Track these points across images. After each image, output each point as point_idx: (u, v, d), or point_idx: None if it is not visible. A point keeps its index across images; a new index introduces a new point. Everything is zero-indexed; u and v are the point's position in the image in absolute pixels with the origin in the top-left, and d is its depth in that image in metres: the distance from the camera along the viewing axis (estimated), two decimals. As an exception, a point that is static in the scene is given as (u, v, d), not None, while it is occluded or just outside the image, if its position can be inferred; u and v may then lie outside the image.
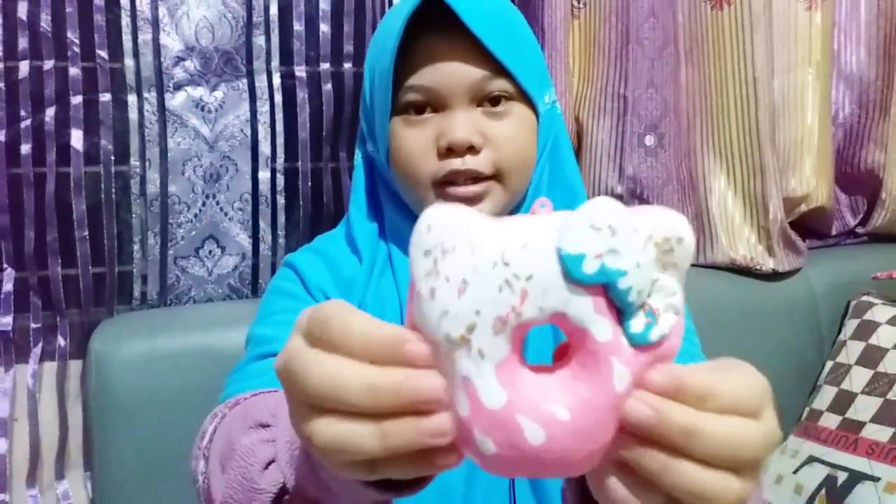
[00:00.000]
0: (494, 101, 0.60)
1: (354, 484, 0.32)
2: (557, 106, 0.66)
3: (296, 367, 0.27)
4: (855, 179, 1.25)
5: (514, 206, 0.63)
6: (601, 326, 0.26)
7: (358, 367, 0.26)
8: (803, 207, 1.17)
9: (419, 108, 0.60)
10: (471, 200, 0.59)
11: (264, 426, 0.41)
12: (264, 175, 1.00)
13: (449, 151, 0.58)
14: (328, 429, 0.27)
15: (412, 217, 0.64)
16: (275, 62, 0.99)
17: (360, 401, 0.26)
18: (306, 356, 0.27)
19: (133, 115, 0.94)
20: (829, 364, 1.07)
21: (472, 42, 0.57)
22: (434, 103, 0.59)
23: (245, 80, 0.98)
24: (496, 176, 0.59)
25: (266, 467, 0.39)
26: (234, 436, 0.42)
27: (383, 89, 0.60)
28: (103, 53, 0.92)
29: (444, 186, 0.59)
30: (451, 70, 0.58)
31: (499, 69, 0.59)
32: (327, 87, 1.00)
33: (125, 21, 0.93)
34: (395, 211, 0.65)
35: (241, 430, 0.41)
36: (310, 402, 0.27)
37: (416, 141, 0.59)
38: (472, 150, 0.58)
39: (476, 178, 0.59)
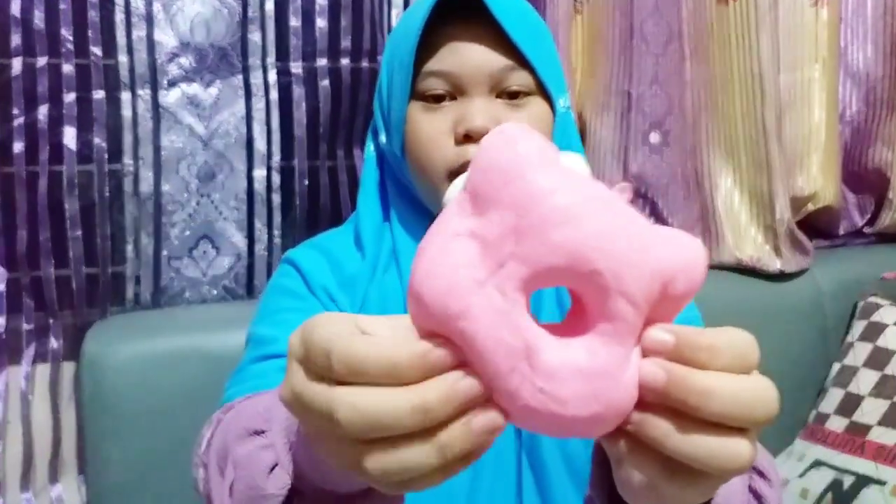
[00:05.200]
0: (513, 95, 0.60)
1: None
2: (571, 112, 0.66)
3: (319, 406, 0.26)
4: (862, 178, 1.24)
5: None
6: None
7: (391, 392, 0.25)
8: (810, 207, 1.16)
9: (438, 98, 0.60)
10: None
11: (259, 433, 0.40)
12: (260, 173, 0.99)
13: (466, 139, 0.58)
14: (383, 459, 0.25)
15: (422, 210, 0.63)
16: (270, 58, 0.98)
17: (412, 424, 0.25)
18: (323, 395, 0.26)
19: (126, 112, 0.93)
20: (836, 366, 1.06)
21: (495, 33, 0.58)
22: (453, 90, 0.60)
23: (240, 77, 0.97)
24: None
25: (270, 472, 0.39)
26: (230, 444, 0.41)
27: (403, 74, 0.60)
28: (97, 50, 0.91)
29: (458, 175, 0.58)
30: (472, 56, 0.59)
31: (520, 62, 0.59)
32: (324, 83, 0.99)
33: (119, 17, 0.92)
34: (405, 204, 0.65)
35: (236, 440, 0.41)
36: (349, 437, 0.26)
37: (433, 126, 0.59)
38: None
39: None
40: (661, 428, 0.26)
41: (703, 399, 0.25)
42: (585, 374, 0.25)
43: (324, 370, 0.26)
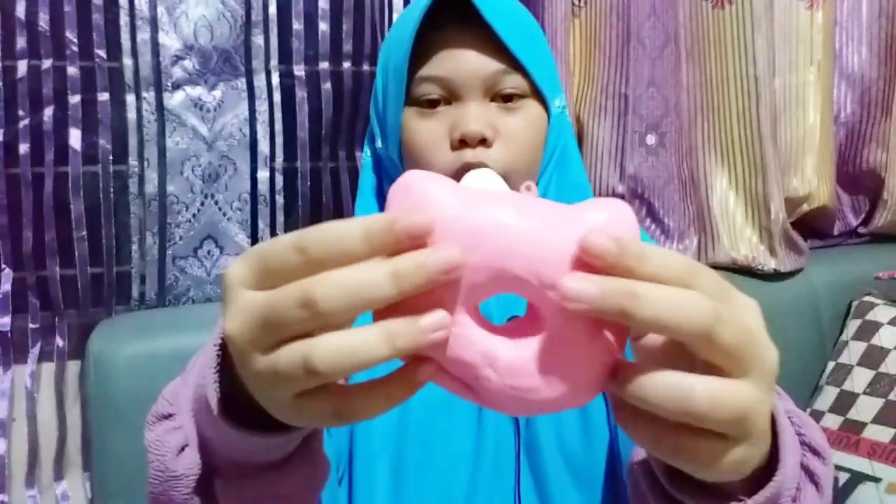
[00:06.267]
0: (507, 98, 0.60)
1: (251, 438, 0.33)
2: (567, 113, 0.66)
3: (291, 299, 0.26)
4: (857, 179, 1.24)
5: None
6: None
7: (370, 264, 0.25)
8: (805, 207, 1.17)
9: (433, 103, 0.60)
10: None
11: (166, 416, 0.41)
12: (263, 175, 1.00)
13: (461, 143, 0.58)
14: (332, 341, 0.26)
15: None
16: (273, 61, 0.99)
17: (388, 292, 0.25)
18: (296, 288, 0.25)
19: (131, 114, 0.94)
20: (831, 364, 1.07)
21: (488, 37, 0.58)
22: (448, 95, 0.60)
23: (244, 80, 0.98)
24: (505, 172, 0.59)
25: (179, 453, 0.39)
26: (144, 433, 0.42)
27: (397, 80, 0.60)
28: (102, 53, 0.92)
29: (454, 179, 0.59)
30: (467, 60, 0.59)
31: (514, 66, 0.59)
32: (326, 86, 1.00)
33: (123, 20, 0.93)
34: None
35: (146, 427, 0.42)
36: (313, 325, 0.26)
37: (428, 132, 0.59)
38: (484, 142, 0.58)
39: None
40: (636, 380, 0.26)
41: (632, 302, 0.25)
42: (544, 360, 0.27)
43: (291, 270, 0.26)
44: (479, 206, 0.28)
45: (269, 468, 0.38)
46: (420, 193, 0.28)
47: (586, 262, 0.27)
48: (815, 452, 0.41)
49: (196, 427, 0.39)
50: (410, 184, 0.28)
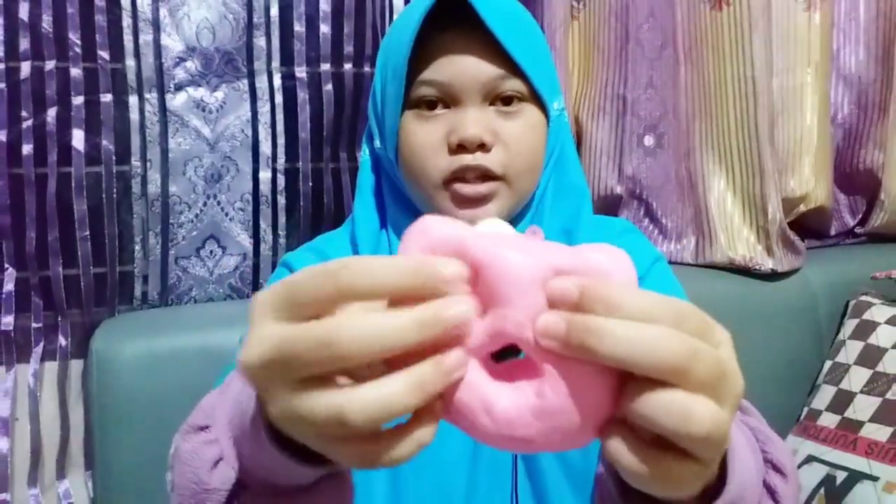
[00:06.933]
0: (507, 101, 0.60)
1: (293, 465, 0.34)
2: (565, 114, 0.66)
3: (319, 338, 0.26)
4: (854, 180, 1.25)
5: (519, 211, 0.63)
6: None
7: (392, 313, 0.26)
8: (802, 207, 1.18)
9: (431, 105, 0.60)
10: (479, 201, 0.58)
11: (203, 428, 0.41)
12: (265, 175, 1.00)
13: (460, 148, 0.58)
14: (366, 395, 0.26)
15: (417, 215, 0.63)
16: (275, 63, 0.99)
17: (411, 340, 0.26)
18: (322, 327, 0.26)
19: (134, 115, 0.94)
20: (828, 363, 1.07)
21: (487, 41, 0.58)
22: (447, 99, 0.59)
23: (246, 81, 0.99)
24: (505, 177, 0.59)
25: (214, 467, 0.39)
26: (177, 442, 0.42)
27: (396, 83, 0.60)
28: (104, 54, 0.93)
29: (452, 183, 0.59)
30: (466, 65, 0.58)
31: (513, 70, 0.59)
32: (328, 87, 1.01)
33: (126, 22, 0.93)
34: (400, 209, 0.65)
35: (181, 437, 0.42)
36: (334, 369, 0.26)
37: (426, 136, 0.59)
38: (483, 147, 0.58)
39: (485, 176, 0.59)
40: (639, 398, 0.26)
41: (597, 339, 0.25)
42: (539, 414, 0.28)
43: (319, 300, 0.27)
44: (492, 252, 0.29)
45: (303, 490, 0.38)
46: (433, 242, 0.29)
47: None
48: (777, 470, 0.42)
49: (233, 442, 0.39)
50: (428, 228, 0.30)
